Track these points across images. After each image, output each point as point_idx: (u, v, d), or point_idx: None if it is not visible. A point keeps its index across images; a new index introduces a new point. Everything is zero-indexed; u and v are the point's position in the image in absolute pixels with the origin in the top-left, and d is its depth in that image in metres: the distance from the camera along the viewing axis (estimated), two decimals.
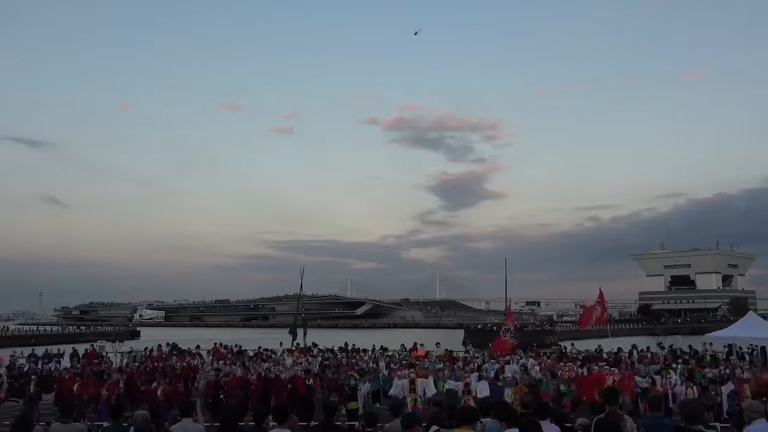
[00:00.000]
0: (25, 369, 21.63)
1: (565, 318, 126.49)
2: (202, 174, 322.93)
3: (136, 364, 22.36)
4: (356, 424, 13.92)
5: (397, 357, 23.63)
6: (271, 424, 6.58)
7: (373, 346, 27.65)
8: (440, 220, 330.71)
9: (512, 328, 24.39)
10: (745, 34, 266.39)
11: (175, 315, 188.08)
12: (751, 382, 15.59)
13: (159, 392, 16.34)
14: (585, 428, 7.10)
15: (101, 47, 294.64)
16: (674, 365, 18.80)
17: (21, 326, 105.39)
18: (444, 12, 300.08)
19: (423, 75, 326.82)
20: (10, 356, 24.95)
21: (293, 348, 27.60)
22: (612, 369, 17.72)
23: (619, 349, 24.62)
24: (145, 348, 28.12)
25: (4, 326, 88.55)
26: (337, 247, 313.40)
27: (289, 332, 32.58)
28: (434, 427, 6.12)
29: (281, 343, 29.13)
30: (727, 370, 17.53)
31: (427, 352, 25.05)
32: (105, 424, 8.96)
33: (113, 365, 22.96)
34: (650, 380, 16.98)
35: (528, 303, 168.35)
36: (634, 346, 26.83)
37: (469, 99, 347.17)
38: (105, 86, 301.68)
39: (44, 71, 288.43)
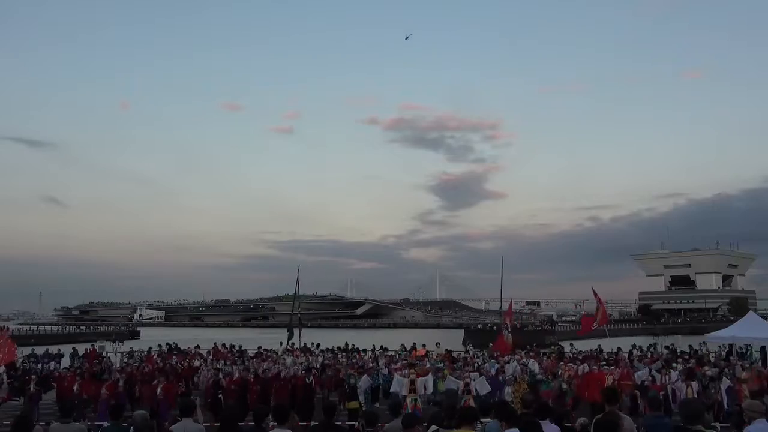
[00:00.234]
0: (27, 368, 21.68)
1: (565, 318, 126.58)
2: (202, 174, 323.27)
3: (136, 364, 22.36)
4: (356, 423, 13.98)
5: (397, 357, 23.65)
6: (272, 424, 6.58)
7: (373, 346, 27.66)
8: (440, 220, 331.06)
9: (509, 326, 24.36)
10: (745, 34, 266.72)
11: (175, 315, 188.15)
12: (748, 381, 15.59)
13: (159, 391, 16.35)
14: (584, 428, 7.11)
15: (101, 47, 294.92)
16: (674, 364, 18.82)
17: (21, 326, 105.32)
18: (444, 12, 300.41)
19: (423, 75, 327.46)
20: None
21: (289, 347, 27.63)
22: (612, 368, 17.72)
23: (619, 349, 24.64)
24: (150, 348, 28.11)
25: (4, 326, 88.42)
26: (337, 247, 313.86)
27: (297, 330, 32.58)
28: (434, 427, 6.13)
29: (281, 343, 29.13)
30: (726, 369, 17.57)
31: (427, 351, 25.05)
32: (105, 424, 8.96)
33: (113, 365, 22.97)
34: (650, 378, 17.01)
35: (528, 303, 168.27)
36: (633, 346, 26.84)
37: (469, 99, 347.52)
38: (105, 86, 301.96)
39: (44, 71, 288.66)
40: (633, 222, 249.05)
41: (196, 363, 23.34)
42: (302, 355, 24.65)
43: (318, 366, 20.89)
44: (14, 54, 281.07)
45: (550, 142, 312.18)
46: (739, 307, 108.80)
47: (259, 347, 27.40)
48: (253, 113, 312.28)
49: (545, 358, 22.50)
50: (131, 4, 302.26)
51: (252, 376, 17.83)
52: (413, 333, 77.67)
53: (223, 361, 22.73)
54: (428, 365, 20.03)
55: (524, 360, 20.88)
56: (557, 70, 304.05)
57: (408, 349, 26.45)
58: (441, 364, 20.19)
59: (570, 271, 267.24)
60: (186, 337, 51.43)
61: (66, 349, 29.68)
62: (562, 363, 20.31)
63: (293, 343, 28.46)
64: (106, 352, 29.06)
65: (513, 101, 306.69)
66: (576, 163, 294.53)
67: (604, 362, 19.15)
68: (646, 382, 16.78)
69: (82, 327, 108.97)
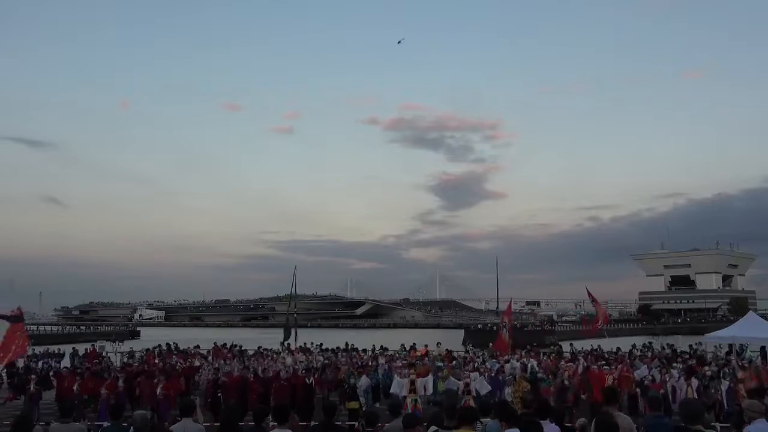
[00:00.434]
0: (28, 366, 21.72)
1: (565, 318, 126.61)
2: (202, 174, 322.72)
3: (136, 364, 22.36)
4: (356, 423, 13.99)
5: (397, 356, 23.65)
6: (272, 424, 6.57)
7: (373, 346, 27.67)
8: (440, 220, 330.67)
9: (507, 325, 24.34)
10: (745, 34, 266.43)
11: (175, 315, 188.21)
12: (746, 380, 15.57)
13: (159, 391, 16.36)
14: (584, 428, 7.11)
15: (101, 47, 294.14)
16: (674, 364, 18.82)
17: None
18: (444, 12, 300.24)
19: (423, 75, 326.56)
20: None
21: (285, 346, 27.68)
22: (611, 368, 17.72)
23: (618, 349, 24.66)
24: (150, 347, 28.14)
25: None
26: (337, 247, 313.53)
27: (288, 332, 32.60)
28: (433, 428, 6.12)
29: (282, 343, 29.16)
30: (726, 369, 17.57)
31: (427, 351, 25.03)
32: (105, 424, 8.97)
33: (113, 365, 22.98)
34: (651, 378, 17.02)
35: (528, 303, 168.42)
36: (633, 346, 26.85)
37: (469, 99, 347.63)
38: (105, 86, 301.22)
39: (44, 71, 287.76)
40: (633, 222, 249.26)
41: (197, 363, 23.35)
42: (301, 354, 24.67)
43: (318, 366, 20.88)
44: (14, 54, 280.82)
45: (550, 142, 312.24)
46: (739, 307, 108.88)
47: (259, 347, 27.43)
48: (253, 113, 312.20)
49: (545, 358, 22.52)
50: (131, 4, 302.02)
51: (252, 375, 17.84)
52: (413, 333, 77.73)
53: (223, 360, 22.74)
54: (427, 361, 20.05)
55: (524, 359, 20.89)
56: (557, 70, 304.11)
57: (407, 348, 26.44)
58: (441, 364, 20.20)
59: (570, 271, 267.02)
60: (186, 337, 51.38)
61: (66, 349, 29.67)
62: (562, 362, 20.32)
63: (289, 343, 28.50)
64: (106, 352, 29.09)
65: (513, 101, 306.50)
66: (576, 163, 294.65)
67: (604, 362, 19.15)
68: (646, 382, 16.79)
69: (82, 327, 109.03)
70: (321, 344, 28.07)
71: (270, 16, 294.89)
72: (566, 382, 16.61)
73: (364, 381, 17.12)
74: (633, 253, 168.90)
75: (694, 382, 15.38)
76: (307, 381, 17.15)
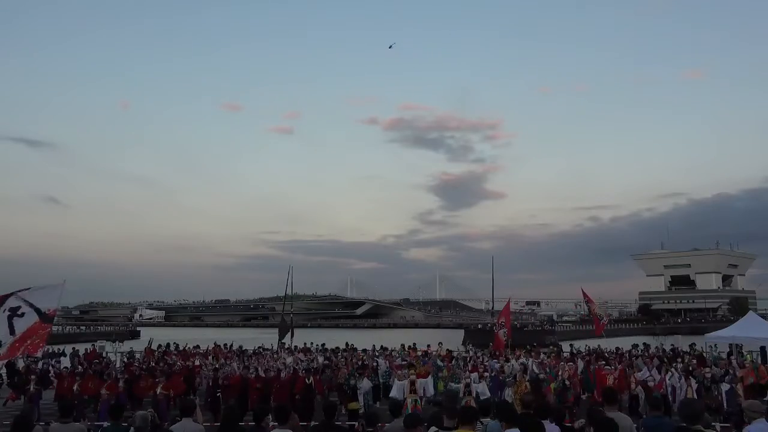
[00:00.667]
0: (28, 366, 21.70)
1: (565, 318, 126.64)
2: (202, 174, 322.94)
3: (136, 364, 22.34)
4: (356, 424, 13.98)
5: (396, 355, 23.61)
6: (272, 424, 6.57)
7: (373, 345, 27.64)
8: (440, 220, 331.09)
9: (503, 323, 24.33)
10: (745, 34, 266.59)
11: (175, 315, 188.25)
12: (744, 379, 15.56)
13: (159, 390, 16.35)
14: (583, 429, 7.11)
15: (101, 47, 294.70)
16: (675, 363, 18.79)
17: None
18: (444, 12, 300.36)
19: (423, 75, 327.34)
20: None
21: (282, 346, 27.65)
22: (611, 368, 17.71)
23: (617, 349, 24.67)
24: (151, 339, 28.14)
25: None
26: (337, 247, 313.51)
27: (287, 331, 32.53)
28: (433, 428, 6.11)
29: (279, 343, 29.13)
30: (727, 369, 17.54)
31: (427, 351, 25.00)
32: (105, 424, 8.96)
33: (113, 365, 22.96)
34: (652, 378, 16.99)
35: (528, 303, 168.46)
36: (634, 346, 26.81)
37: (469, 99, 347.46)
38: (105, 86, 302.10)
39: (44, 71, 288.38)
40: (633, 222, 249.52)
41: (197, 362, 23.32)
42: (302, 354, 24.64)
43: (318, 366, 20.82)
44: (14, 54, 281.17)
45: (550, 142, 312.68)
46: (739, 307, 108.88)
47: (259, 347, 27.42)
48: (253, 113, 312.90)
49: (545, 358, 22.50)
50: (131, 4, 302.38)
51: (252, 374, 17.82)
52: (413, 333, 77.81)
53: (223, 360, 22.72)
54: (428, 361, 20.04)
55: (523, 359, 20.86)
56: (557, 70, 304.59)
57: (407, 348, 26.39)
58: (441, 364, 20.19)
59: (570, 271, 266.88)
60: (186, 337, 51.25)
61: (66, 349, 29.64)
62: (562, 362, 20.29)
63: (284, 343, 28.48)
64: (106, 352, 29.08)
65: (513, 101, 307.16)
66: (576, 163, 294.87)
67: (604, 362, 19.14)
68: (649, 382, 16.74)
69: (82, 327, 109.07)
70: (323, 344, 28.03)
71: (269, 16, 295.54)
72: (566, 382, 16.60)
73: (365, 384, 17.06)
74: (633, 253, 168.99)
75: (694, 383, 15.36)
76: (308, 381, 17.13)
